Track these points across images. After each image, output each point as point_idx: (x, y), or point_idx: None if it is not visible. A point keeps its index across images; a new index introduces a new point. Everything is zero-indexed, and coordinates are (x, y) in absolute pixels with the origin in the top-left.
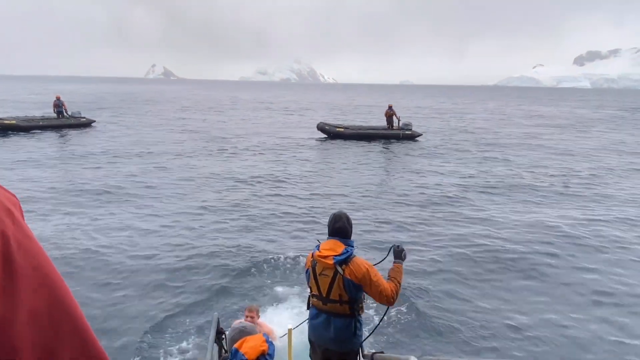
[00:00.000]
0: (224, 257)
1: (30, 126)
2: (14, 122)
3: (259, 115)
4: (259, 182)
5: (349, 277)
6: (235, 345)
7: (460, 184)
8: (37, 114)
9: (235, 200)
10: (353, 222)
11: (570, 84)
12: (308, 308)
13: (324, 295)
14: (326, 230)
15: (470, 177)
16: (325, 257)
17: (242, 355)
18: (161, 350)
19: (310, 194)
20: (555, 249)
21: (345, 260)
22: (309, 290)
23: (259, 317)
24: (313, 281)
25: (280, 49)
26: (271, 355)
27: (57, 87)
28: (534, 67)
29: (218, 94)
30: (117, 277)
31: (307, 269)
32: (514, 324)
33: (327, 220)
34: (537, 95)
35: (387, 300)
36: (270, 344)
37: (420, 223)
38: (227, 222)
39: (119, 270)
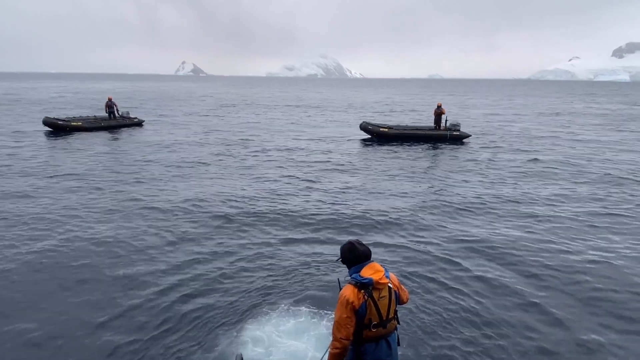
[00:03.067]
0: (257, 280)
1: (94, 127)
2: (80, 123)
3: (296, 114)
4: (304, 189)
5: (396, 289)
6: None
7: (522, 200)
8: (75, 113)
9: (277, 210)
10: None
11: (608, 78)
12: (362, 349)
13: (385, 318)
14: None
15: (531, 190)
16: (381, 278)
17: None
18: None
19: (360, 206)
20: None
21: (389, 275)
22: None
23: None
24: (374, 311)
25: (307, 45)
26: None
27: (91, 86)
28: (570, 60)
29: (250, 91)
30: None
31: (361, 306)
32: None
33: (345, 253)
34: (572, 90)
35: (408, 297)
36: None
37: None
38: (269, 240)
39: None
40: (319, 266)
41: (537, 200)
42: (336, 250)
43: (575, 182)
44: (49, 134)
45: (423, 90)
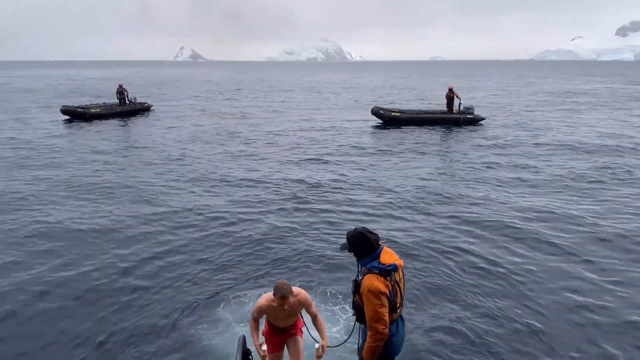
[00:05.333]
0: (266, 264)
1: (112, 113)
2: (98, 110)
3: (305, 98)
4: (316, 180)
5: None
6: None
7: (548, 187)
8: (79, 101)
9: (288, 199)
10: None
11: (612, 57)
12: (392, 333)
13: (404, 296)
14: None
15: (556, 174)
16: (400, 261)
17: None
18: None
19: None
20: None
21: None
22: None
23: (292, 292)
24: (399, 294)
25: (306, 28)
26: None
27: (90, 73)
28: (573, 40)
29: (250, 75)
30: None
31: (390, 290)
32: None
33: (357, 244)
34: (574, 70)
35: None
36: None
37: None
38: (280, 222)
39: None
40: (327, 251)
41: (563, 181)
42: (345, 232)
43: (593, 156)
44: (69, 122)
45: (426, 72)
